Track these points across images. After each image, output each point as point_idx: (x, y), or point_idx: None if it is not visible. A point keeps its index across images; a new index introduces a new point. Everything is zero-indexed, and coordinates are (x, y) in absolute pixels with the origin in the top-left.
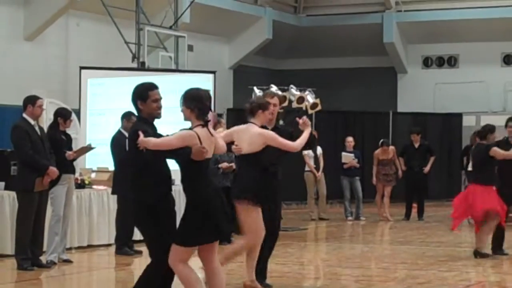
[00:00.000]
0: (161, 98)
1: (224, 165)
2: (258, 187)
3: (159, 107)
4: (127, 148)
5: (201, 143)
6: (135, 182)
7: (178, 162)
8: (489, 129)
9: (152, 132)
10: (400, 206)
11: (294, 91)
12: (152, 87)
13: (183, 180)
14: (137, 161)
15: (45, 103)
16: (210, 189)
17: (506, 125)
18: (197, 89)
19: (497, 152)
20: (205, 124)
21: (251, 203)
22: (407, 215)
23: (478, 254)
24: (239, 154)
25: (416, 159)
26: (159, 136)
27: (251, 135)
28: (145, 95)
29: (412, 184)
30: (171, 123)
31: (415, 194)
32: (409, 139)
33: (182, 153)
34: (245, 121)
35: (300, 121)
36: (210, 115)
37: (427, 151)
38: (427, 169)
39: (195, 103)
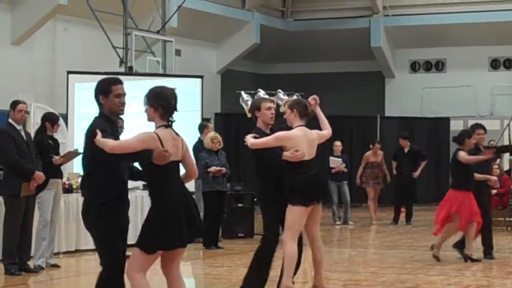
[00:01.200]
0: (125, 94)
1: (213, 169)
2: None
3: (122, 103)
4: (83, 145)
5: (162, 145)
6: (90, 179)
7: (141, 165)
8: (467, 135)
9: (111, 130)
10: (387, 210)
11: (282, 95)
12: (115, 81)
13: (148, 184)
14: (94, 159)
15: (32, 108)
16: (175, 195)
17: (474, 132)
18: (162, 87)
19: (462, 157)
20: (169, 125)
21: None
22: (396, 219)
23: (468, 258)
24: (298, 160)
25: (405, 164)
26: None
27: (313, 139)
28: (107, 90)
29: (401, 188)
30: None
31: (403, 198)
32: (398, 144)
33: (143, 157)
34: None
35: (312, 101)
36: None
37: (417, 156)
38: (416, 173)
39: (159, 102)
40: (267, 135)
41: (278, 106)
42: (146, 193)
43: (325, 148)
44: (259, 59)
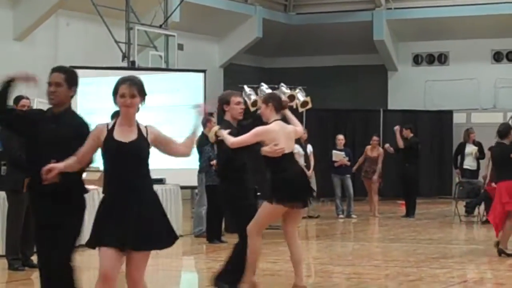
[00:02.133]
0: (53, 83)
1: (215, 162)
2: None
3: (50, 92)
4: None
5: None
6: None
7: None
8: (510, 127)
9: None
10: (390, 204)
11: (285, 89)
12: (52, 70)
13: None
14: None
15: (35, 103)
16: None
17: None
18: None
19: None
20: None
21: None
22: (408, 213)
23: (502, 252)
24: (277, 155)
25: (405, 155)
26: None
27: (289, 132)
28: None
29: (403, 180)
30: (163, 123)
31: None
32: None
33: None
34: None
35: (283, 102)
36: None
37: (411, 145)
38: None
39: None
40: (236, 128)
41: None
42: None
43: (328, 142)
44: (262, 53)
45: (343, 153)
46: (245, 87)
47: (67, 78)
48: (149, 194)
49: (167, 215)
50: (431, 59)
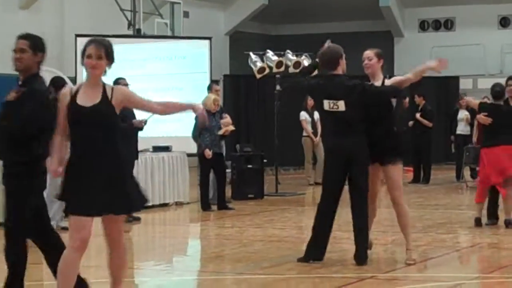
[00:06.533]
0: (18, 50)
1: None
2: None
3: (16, 58)
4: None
5: None
6: None
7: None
8: (503, 88)
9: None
10: None
11: (291, 56)
12: (17, 37)
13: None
14: None
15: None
16: None
17: (506, 84)
18: None
19: None
20: None
21: None
22: (415, 178)
23: (509, 223)
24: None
25: (417, 122)
26: None
27: None
28: None
29: (414, 147)
30: (170, 89)
31: (417, 157)
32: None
33: None
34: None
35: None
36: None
37: (426, 114)
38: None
39: None
40: None
41: (287, 67)
42: (155, 155)
43: None
44: (268, 20)
45: None
46: (251, 54)
47: (31, 44)
48: (113, 159)
49: (135, 178)
50: (438, 25)
